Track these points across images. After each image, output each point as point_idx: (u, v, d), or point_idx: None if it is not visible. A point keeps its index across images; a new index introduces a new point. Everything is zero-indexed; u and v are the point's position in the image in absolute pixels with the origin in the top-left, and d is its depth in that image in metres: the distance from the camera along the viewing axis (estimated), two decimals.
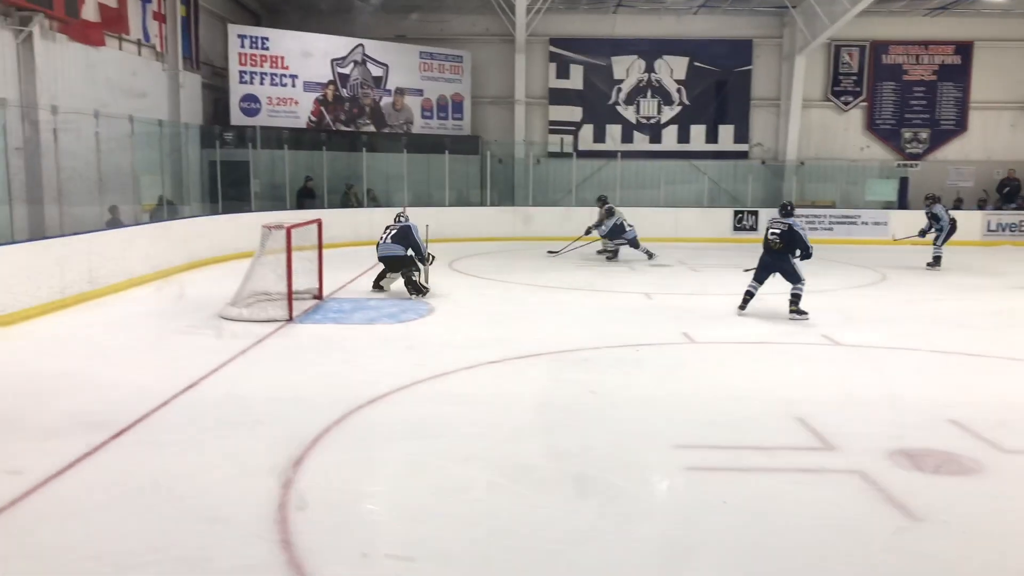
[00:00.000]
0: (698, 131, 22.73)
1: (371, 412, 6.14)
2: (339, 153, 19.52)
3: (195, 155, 17.11)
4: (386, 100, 21.08)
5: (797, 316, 9.58)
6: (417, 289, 11.03)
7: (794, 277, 9.69)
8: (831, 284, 12.76)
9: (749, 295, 9.96)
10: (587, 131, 22.74)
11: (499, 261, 15.26)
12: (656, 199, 21.07)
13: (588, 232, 16.19)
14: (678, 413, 6.16)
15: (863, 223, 20.60)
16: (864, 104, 22.68)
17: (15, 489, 4.67)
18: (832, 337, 8.85)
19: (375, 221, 18.46)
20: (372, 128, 20.94)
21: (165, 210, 14.42)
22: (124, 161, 13.60)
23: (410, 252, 11.10)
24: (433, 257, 11.34)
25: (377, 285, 11.56)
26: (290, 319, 9.59)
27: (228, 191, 16.97)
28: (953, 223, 15.27)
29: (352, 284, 12.18)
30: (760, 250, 10.03)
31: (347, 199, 19.50)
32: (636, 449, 5.39)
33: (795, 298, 9.67)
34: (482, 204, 20.66)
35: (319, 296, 10.97)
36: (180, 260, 13.51)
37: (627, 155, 22.09)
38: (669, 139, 22.74)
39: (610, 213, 15.62)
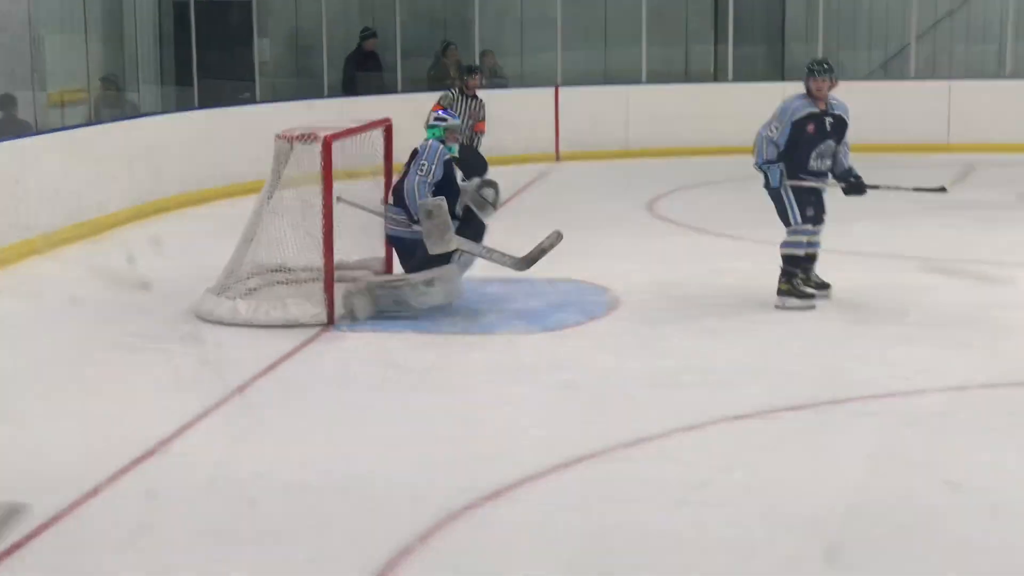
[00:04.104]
0: None
1: (498, 517, 6.10)
2: None
3: None
4: None
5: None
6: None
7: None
8: None
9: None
10: None
11: (747, 197, 14.30)
12: None
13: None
14: None
15: None
16: None
17: None
18: None
19: (498, 116, 18.01)
20: None
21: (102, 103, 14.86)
22: (17, 7, 13.88)
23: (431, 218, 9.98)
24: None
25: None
26: (330, 322, 9.63)
27: (210, 61, 17.06)
28: None
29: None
30: None
31: (441, 72, 19.26)
32: None
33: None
34: (719, 76, 20.27)
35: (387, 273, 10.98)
36: (119, 200, 13.52)
37: None
38: None
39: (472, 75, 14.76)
